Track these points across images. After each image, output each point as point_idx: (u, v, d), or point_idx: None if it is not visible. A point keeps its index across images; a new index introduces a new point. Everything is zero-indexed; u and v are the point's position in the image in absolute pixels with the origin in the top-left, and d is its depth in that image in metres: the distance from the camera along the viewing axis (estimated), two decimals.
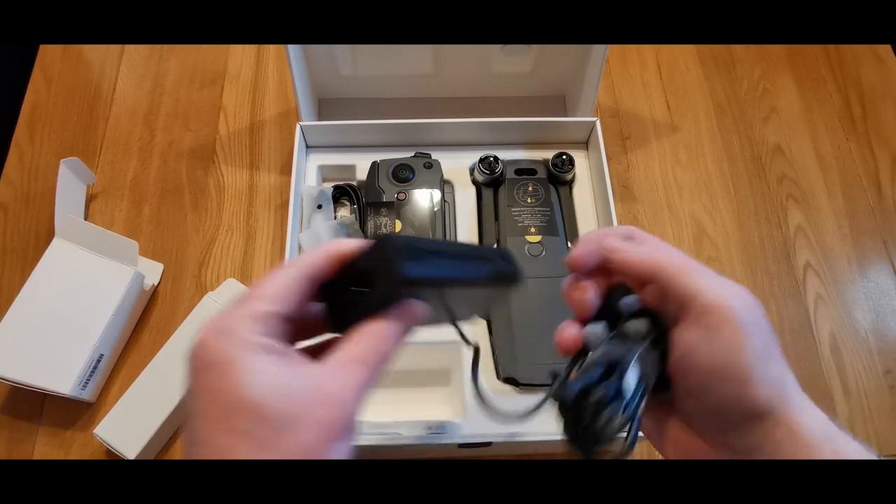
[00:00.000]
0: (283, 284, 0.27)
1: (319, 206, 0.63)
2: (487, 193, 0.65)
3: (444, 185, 0.66)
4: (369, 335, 0.27)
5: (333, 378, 0.25)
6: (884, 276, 0.70)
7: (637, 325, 0.30)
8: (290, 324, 0.27)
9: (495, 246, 0.36)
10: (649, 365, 0.29)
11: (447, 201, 0.65)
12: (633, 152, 0.76)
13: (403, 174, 0.64)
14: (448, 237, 0.63)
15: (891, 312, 0.68)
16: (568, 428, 0.29)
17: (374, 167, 0.65)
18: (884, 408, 0.63)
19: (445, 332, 0.59)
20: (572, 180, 0.67)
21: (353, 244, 0.28)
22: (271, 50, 0.82)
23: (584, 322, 0.33)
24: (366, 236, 0.61)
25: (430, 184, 0.64)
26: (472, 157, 0.66)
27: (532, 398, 0.56)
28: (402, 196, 0.63)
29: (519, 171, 0.65)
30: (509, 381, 0.57)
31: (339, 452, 0.25)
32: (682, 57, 0.83)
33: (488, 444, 0.51)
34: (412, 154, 0.66)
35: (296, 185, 0.62)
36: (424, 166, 0.65)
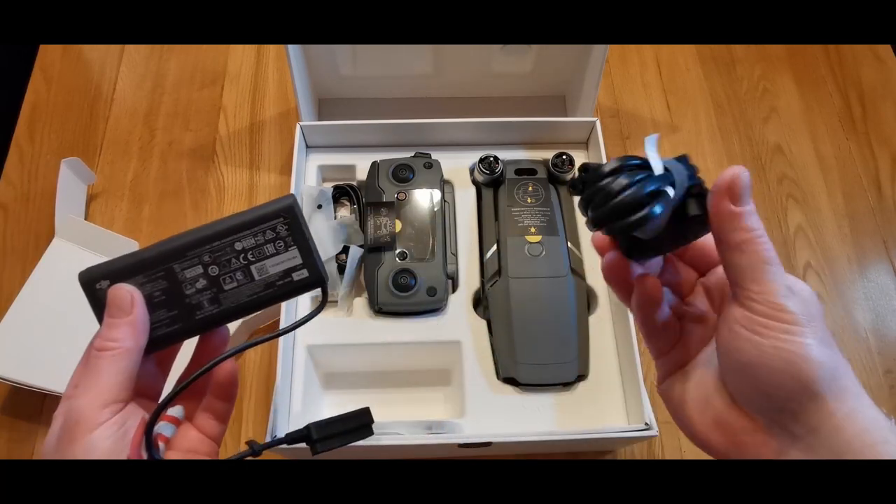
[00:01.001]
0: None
1: (319, 206, 0.63)
2: (487, 193, 0.65)
3: (444, 185, 0.66)
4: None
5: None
6: (884, 276, 0.70)
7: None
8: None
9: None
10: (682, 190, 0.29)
11: (447, 201, 0.65)
12: (633, 152, 0.76)
13: (403, 174, 0.64)
14: (448, 237, 0.63)
15: (891, 312, 0.68)
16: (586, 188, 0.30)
17: (374, 167, 0.65)
18: (884, 408, 0.62)
19: (445, 332, 0.59)
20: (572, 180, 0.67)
21: None
22: (271, 50, 0.82)
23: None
24: (366, 236, 0.61)
25: (430, 184, 0.64)
26: (472, 157, 0.66)
27: (532, 398, 0.56)
28: (402, 196, 0.63)
29: (519, 171, 0.65)
30: (509, 381, 0.57)
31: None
32: (682, 57, 0.83)
33: (488, 444, 0.51)
34: (412, 154, 0.66)
35: (296, 185, 0.62)
36: (424, 166, 0.65)
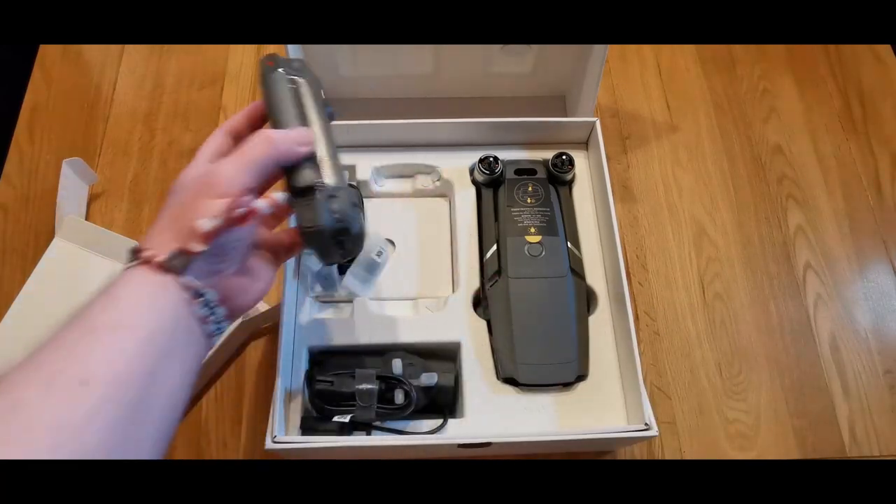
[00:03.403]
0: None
1: None
2: (487, 193, 0.65)
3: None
4: (255, 138, 0.40)
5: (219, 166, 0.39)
6: (884, 276, 0.70)
7: None
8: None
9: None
10: None
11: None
12: (633, 152, 0.76)
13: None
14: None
15: (891, 312, 0.68)
16: None
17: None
18: (884, 408, 0.63)
19: (445, 332, 0.59)
20: (572, 180, 0.67)
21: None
22: (271, 50, 0.82)
23: None
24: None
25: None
26: (472, 157, 0.66)
27: (532, 398, 0.56)
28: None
29: (519, 171, 0.65)
30: (509, 381, 0.57)
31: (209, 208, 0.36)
32: (682, 57, 0.83)
33: (488, 444, 0.51)
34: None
35: None
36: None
